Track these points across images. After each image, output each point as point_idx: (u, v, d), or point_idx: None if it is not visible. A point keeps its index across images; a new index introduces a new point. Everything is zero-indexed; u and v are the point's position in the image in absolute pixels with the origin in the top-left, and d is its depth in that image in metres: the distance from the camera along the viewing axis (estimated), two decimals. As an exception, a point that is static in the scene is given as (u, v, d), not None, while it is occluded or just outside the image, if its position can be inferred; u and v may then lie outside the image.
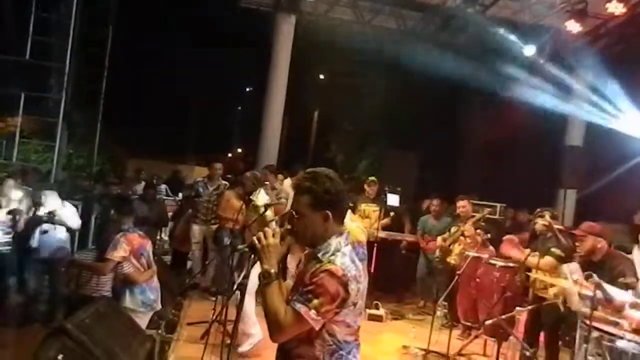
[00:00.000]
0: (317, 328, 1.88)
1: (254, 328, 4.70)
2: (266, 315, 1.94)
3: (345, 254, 1.96)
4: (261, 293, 1.97)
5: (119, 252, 4.24)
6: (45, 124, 9.77)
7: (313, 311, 1.85)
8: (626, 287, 3.63)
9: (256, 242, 1.98)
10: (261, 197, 5.14)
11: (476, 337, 5.51)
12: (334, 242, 1.98)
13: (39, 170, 9.18)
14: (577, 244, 4.03)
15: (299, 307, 1.85)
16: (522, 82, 9.86)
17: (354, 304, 1.94)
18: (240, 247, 2.21)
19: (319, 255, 1.96)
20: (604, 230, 4.08)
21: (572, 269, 3.81)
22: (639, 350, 3.08)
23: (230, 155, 25.10)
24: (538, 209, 4.54)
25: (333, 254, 1.94)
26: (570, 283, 3.71)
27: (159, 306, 4.52)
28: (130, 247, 4.30)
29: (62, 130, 8.88)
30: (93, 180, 10.73)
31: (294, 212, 2.03)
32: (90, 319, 3.33)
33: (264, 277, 1.95)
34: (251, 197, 5.17)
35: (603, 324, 3.27)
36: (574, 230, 4.05)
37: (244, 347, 4.68)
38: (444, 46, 9.95)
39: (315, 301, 1.85)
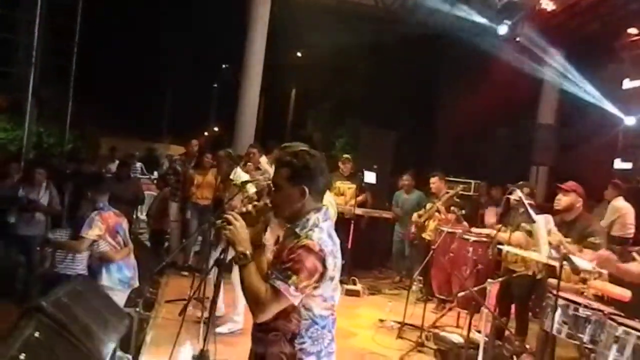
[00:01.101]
0: (295, 304, 1.91)
1: (239, 317, 4.76)
2: (246, 296, 1.95)
3: (323, 229, 1.97)
4: (239, 274, 1.98)
5: (94, 231, 4.20)
6: (14, 100, 9.47)
7: (292, 287, 1.87)
8: (594, 246, 3.82)
9: (225, 227, 1.97)
10: (242, 176, 5.11)
11: (450, 309, 5.69)
12: (313, 217, 1.99)
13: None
14: (557, 198, 4.17)
15: (279, 284, 1.87)
16: (496, 60, 9.95)
17: (331, 279, 1.96)
18: (218, 222, 2.20)
19: (297, 230, 1.97)
20: (584, 195, 4.22)
21: (548, 219, 3.97)
22: (600, 317, 3.22)
23: (206, 133, 24.80)
24: (516, 184, 4.65)
25: (310, 229, 1.95)
26: (537, 255, 3.84)
27: (136, 283, 4.52)
28: (105, 225, 4.26)
29: (32, 107, 8.60)
30: (65, 159, 10.49)
31: (272, 185, 2.04)
32: (67, 297, 3.30)
33: (239, 259, 1.95)
34: (230, 177, 5.15)
35: (569, 293, 3.42)
36: (560, 184, 4.18)
37: (222, 329, 4.68)
38: (420, 25, 9.95)
39: (294, 277, 1.87)
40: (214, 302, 2.79)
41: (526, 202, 3.96)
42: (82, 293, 3.70)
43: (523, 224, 4.43)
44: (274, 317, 1.95)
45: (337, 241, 2.03)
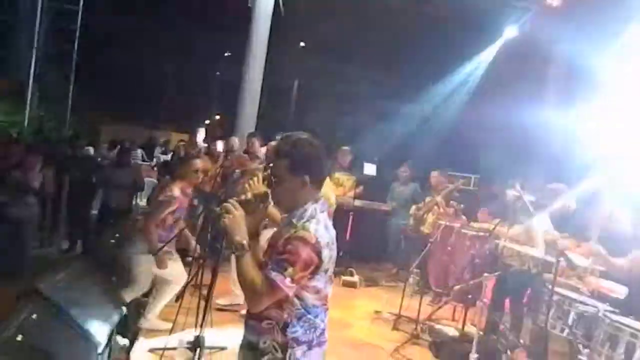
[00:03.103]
0: (290, 295, 1.91)
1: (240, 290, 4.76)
2: (242, 286, 1.95)
3: (320, 220, 1.96)
4: (235, 264, 1.98)
5: (175, 192, 4.24)
6: (15, 84, 9.43)
7: (288, 279, 1.87)
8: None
9: (224, 215, 1.96)
10: None
11: (446, 302, 5.71)
12: (310, 208, 1.99)
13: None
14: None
15: (274, 275, 1.87)
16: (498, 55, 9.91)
17: (325, 271, 1.97)
18: (217, 209, 2.20)
19: (294, 220, 1.96)
20: None
21: (542, 220, 3.99)
22: (595, 313, 3.24)
23: (208, 121, 24.74)
24: (514, 179, 4.68)
25: (307, 220, 1.94)
26: (533, 250, 3.86)
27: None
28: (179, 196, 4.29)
29: (33, 92, 8.58)
30: (66, 144, 10.49)
31: (272, 176, 2.02)
32: (64, 279, 3.32)
33: (236, 249, 1.94)
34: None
35: (564, 289, 3.44)
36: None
37: (223, 301, 4.74)
38: (425, 16, 9.90)
39: (290, 269, 1.86)
40: (211, 288, 2.83)
41: (525, 198, 3.96)
42: (80, 276, 3.72)
43: (521, 218, 4.45)
44: (267, 306, 1.96)
45: (333, 233, 2.03)
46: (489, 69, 10.51)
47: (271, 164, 2.09)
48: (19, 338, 2.37)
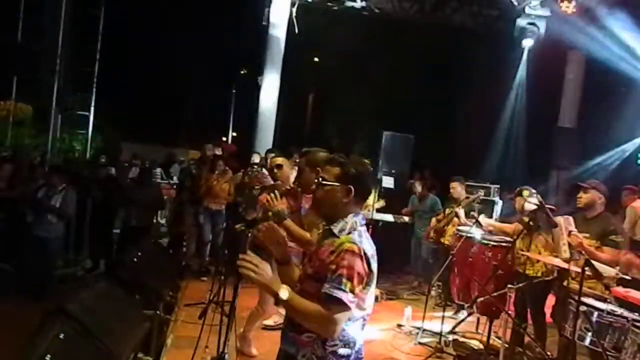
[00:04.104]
0: (352, 308, 1.88)
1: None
2: (309, 323, 1.92)
3: (362, 233, 2.00)
4: (285, 309, 1.96)
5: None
6: (38, 107, 9.68)
7: (350, 294, 1.87)
8: (615, 244, 3.77)
9: (255, 272, 1.88)
10: None
11: (470, 314, 5.63)
12: (351, 220, 2.02)
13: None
14: (578, 196, 4.16)
15: (337, 292, 1.86)
16: (516, 63, 9.85)
17: (371, 284, 1.99)
18: (237, 226, 2.23)
19: (335, 231, 1.99)
20: (606, 192, 4.20)
21: (569, 221, 3.95)
22: (623, 324, 3.16)
23: (224, 138, 24.96)
24: (522, 187, 4.66)
25: (350, 232, 1.98)
26: (551, 259, 3.80)
27: None
28: None
29: (56, 114, 8.80)
30: (88, 164, 10.70)
31: (320, 180, 2.07)
32: (89, 299, 3.37)
33: (277, 301, 1.90)
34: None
35: (591, 299, 3.36)
36: (581, 182, 4.17)
37: (269, 322, 4.71)
38: (438, 28, 9.91)
39: (349, 284, 1.87)
40: (232, 306, 2.84)
41: (546, 206, 3.91)
42: (104, 295, 3.77)
43: (543, 227, 4.38)
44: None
45: (374, 247, 2.05)
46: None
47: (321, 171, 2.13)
48: (48, 358, 2.41)
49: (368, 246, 1.98)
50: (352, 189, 2.03)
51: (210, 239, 7.08)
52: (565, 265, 3.54)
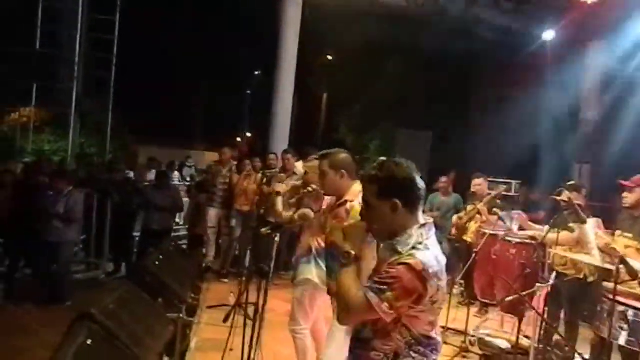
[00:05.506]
0: (388, 321, 1.81)
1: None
2: (337, 295, 1.90)
3: (429, 248, 1.84)
4: (338, 272, 1.93)
5: None
6: (57, 114, 9.80)
7: (385, 304, 1.76)
8: None
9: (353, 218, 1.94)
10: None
11: (494, 313, 5.53)
12: (415, 233, 1.86)
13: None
14: (624, 195, 3.95)
15: (371, 296, 1.78)
16: (535, 58, 9.68)
17: (433, 302, 1.83)
18: (263, 230, 2.21)
19: (398, 247, 1.84)
20: None
21: (599, 223, 3.80)
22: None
23: (239, 139, 25.06)
24: (565, 184, 4.47)
25: (414, 247, 1.82)
26: (589, 258, 3.69)
27: None
28: None
29: (75, 120, 8.91)
30: (106, 169, 10.81)
31: (363, 202, 1.95)
32: (114, 304, 3.37)
33: (343, 256, 1.90)
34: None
35: (627, 298, 3.26)
36: (622, 182, 3.96)
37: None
38: (455, 24, 9.78)
39: (389, 294, 1.76)
40: (257, 308, 2.82)
41: (575, 202, 3.81)
42: (128, 300, 3.77)
43: (571, 224, 4.27)
44: (372, 335, 1.87)
45: (444, 261, 1.89)
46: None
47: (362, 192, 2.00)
48: (76, 364, 2.41)
49: (434, 262, 1.81)
50: (397, 202, 1.86)
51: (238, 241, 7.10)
52: (597, 263, 3.44)
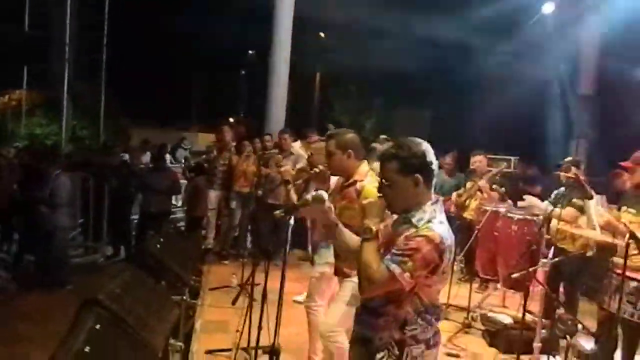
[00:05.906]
0: (407, 289, 1.90)
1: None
2: (359, 268, 1.95)
3: (443, 222, 1.95)
4: (359, 246, 1.99)
5: None
6: (49, 96, 9.63)
7: (407, 274, 1.86)
8: None
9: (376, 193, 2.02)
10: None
11: (495, 289, 5.57)
12: (429, 209, 1.96)
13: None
14: (625, 176, 3.91)
15: (394, 267, 1.86)
16: (532, 33, 9.59)
17: (444, 272, 1.95)
18: (276, 212, 2.18)
19: (414, 220, 1.94)
20: None
21: (602, 200, 3.79)
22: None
23: (232, 120, 24.85)
24: (569, 160, 4.46)
25: (430, 221, 1.93)
26: (595, 233, 3.69)
27: None
28: None
29: (68, 102, 8.76)
30: (101, 151, 10.67)
31: (383, 180, 2.00)
32: (119, 288, 3.34)
33: (365, 232, 1.97)
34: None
35: (633, 272, 3.27)
36: (623, 163, 3.91)
37: (299, 297, 4.47)
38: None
39: (410, 264, 1.85)
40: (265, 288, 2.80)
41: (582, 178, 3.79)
42: (132, 284, 3.75)
43: (575, 200, 4.27)
44: (385, 302, 1.95)
45: (453, 237, 1.99)
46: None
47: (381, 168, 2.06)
48: (87, 349, 2.39)
49: (448, 236, 1.93)
50: (419, 177, 1.95)
51: (238, 223, 7.07)
52: (604, 238, 3.44)
